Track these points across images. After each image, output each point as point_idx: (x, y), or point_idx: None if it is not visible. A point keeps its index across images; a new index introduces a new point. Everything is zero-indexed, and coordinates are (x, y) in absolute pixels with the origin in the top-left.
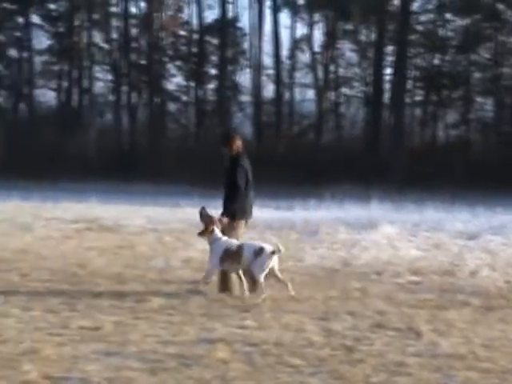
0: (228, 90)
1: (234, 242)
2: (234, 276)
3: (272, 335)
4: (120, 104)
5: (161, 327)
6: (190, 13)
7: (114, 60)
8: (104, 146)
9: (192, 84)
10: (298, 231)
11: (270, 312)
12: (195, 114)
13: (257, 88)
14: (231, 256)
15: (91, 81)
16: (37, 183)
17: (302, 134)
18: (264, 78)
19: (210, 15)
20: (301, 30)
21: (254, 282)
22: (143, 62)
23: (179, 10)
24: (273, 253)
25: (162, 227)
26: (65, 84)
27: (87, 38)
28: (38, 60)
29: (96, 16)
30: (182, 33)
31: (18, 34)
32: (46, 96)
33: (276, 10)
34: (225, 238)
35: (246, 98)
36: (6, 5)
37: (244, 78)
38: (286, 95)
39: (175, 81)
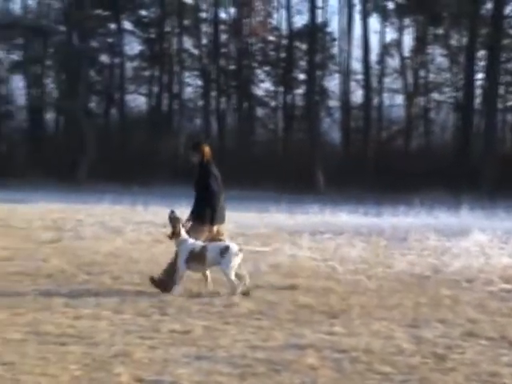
0: (316, 95)
1: (199, 243)
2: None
3: (361, 342)
4: (209, 109)
5: (250, 332)
6: (279, 18)
7: (203, 65)
8: None
9: (280, 89)
10: (386, 237)
11: (359, 319)
12: (283, 119)
13: (345, 93)
14: (196, 257)
15: (181, 86)
16: (127, 187)
17: (390, 139)
18: (353, 83)
19: (299, 20)
20: (390, 34)
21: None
22: (232, 67)
23: (268, 15)
24: (240, 251)
25: (249, 232)
26: (155, 89)
27: (177, 43)
28: (129, 66)
29: (186, 22)
30: (271, 38)
31: (110, 40)
32: (137, 101)
33: (366, 15)
34: (191, 241)
35: (334, 103)
36: (98, 11)
37: (332, 83)
38: (375, 100)
39: (264, 86)
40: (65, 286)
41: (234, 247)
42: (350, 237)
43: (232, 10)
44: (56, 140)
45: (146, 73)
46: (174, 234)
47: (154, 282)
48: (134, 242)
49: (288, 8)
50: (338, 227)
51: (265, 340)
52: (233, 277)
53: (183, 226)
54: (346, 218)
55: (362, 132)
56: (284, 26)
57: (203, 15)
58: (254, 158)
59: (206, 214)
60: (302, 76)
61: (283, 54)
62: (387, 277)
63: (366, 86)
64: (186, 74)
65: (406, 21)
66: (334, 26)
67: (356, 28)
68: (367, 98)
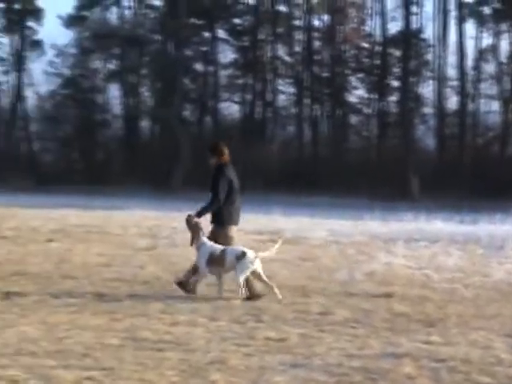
0: (410, 102)
1: (219, 246)
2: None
3: (459, 351)
4: (302, 116)
5: (345, 340)
6: (372, 25)
7: (296, 73)
8: (286, 158)
9: (374, 96)
10: (483, 246)
11: (456, 328)
12: (377, 126)
13: (440, 99)
14: (215, 260)
15: (274, 94)
16: None
17: (486, 145)
18: (447, 90)
19: (394, 27)
20: (486, 40)
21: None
22: (326, 74)
23: (362, 22)
24: (255, 258)
25: (344, 240)
26: (248, 97)
27: (271, 51)
28: (222, 74)
29: (280, 30)
30: (365, 45)
31: (204, 48)
32: (230, 109)
33: (461, 21)
34: (210, 243)
35: (428, 109)
36: (193, 20)
37: (427, 89)
38: (470, 106)
39: (357, 93)
40: (161, 292)
41: (250, 254)
42: (445, 245)
43: (325, 17)
44: (151, 148)
45: (240, 81)
46: (194, 239)
47: (181, 284)
48: None
49: (382, 14)
50: (432, 235)
51: (361, 348)
52: (241, 281)
53: (201, 228)
54: (441, 225)
55: (458, 138)
56: (378, 33)
57: (297, 23)
58: (348, 166)
59: (223, 215)
60: (395, 83)
61: (377, 61)
62: (484, 286)
63: (462, 92)
64: (280, 81)
65: (503, 26)
66: (429, 32)
67: (451, 34)
68: (462, 104)
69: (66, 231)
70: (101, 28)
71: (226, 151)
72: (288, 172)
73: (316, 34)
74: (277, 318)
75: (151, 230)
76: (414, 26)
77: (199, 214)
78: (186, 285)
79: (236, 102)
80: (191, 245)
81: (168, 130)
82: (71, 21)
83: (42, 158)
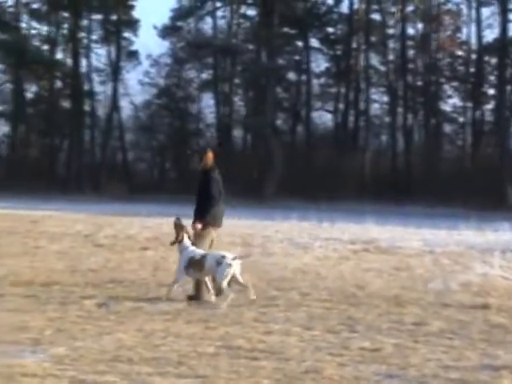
0: (506, 110)
1: (200, 251)
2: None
3: None
4: (395, 125)
5: (441, 351)
6: (468, 32)
7: (390, 82)
8: (379, 167)
9: (469, 105)
10: None
11: None
12: (471, 135)
13: None
14: (195, 264)
15: (367, 102)
16: (314, 203)
17: None
18: None
19: (490, 34)
20: None
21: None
22: (420, 83)
23: (457, 30)
24: (233, 260)
25: (438, 249)
26: (341, 106)
27: (364, 60)
28: (315, 82)
29: (373, 38)
30: (460, 53)
31: (296, 57)
32: (323, 118)
33: None
34: (192, 248)
35: None
36: (286, 29)
37: None
38: None
39: (451, 102)
40: (254, 301)
41: (228, 257)
42: None
43: (420, 25)
44: (243, 157)
45: (333, 89)
46: (177, 240)
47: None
48: (321, 259)
49: (478, 22)
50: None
51: (457, 360)
52: (225, 285)
53: (187, 232)
54: None
55: None
56: (473, 40)
57: (390, 31)
58: (442, 175)
59: (206, 217)
60: (491, 91)
61: (472, 69)
62: None
63: None
64: (373, 90)
65: None
66: None
67: None
68: None
69: (160, 239)
70: (195, 38)
71: (211, 155)
72: (381, 181)
73: (410, 43)
74: (371, 328)
75: (244, 239)
76: (511, 33)
77: (202, 217)
78: (219, 291)
79: (329, 111)
80: (171, 244)
81: (260, 139)
82: (166, 31)
83: (136, 167)
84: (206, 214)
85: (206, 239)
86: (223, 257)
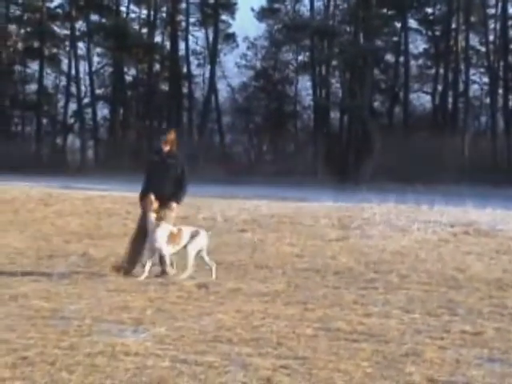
0: None
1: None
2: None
3: None
4: (496, 107)
5: None
6: None
7: (490, 62)
8: (478, 149)
9: None
10: None
11: None
12: None
13: None
14: (173, 238)
15: (467, 84)
16: (411, 186)
17: None
18: None
19: None
20: None
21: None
22: None
23: None
24: (208, 236)
25: None
26: (440, 87)
27: (464, 40)
28: (413, 64)
29: (473, 18)
30: None
31: (394, 38)
32: (421, 99)
33: None
34: (166, 224)
35: None
36: (384, 10)
37: None
38: None
39: None
40: (353, 283)
41: (203, 233)
42: None
43: None
44: (340, 139)
45: (431, 71)
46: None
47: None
48: (420, 241)
49: None
50: None
51: None
52: (191, 259)
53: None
54: None
55: None
56: None
57: (491, 11)
58: None
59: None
60: None
61: None
62: None
63: None
64: (472, 71)
65: None
66: None
67: None
68: None
69: (258, 221)
70: (292, 20)
71: (174, 136)
72: (480, 163)
73: (511, 22)
74: (472, 312)
75: (341, 221)
76: None
77: (179, 200)
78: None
79: (427, 93)
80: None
81: (358, 121)
82: (264, 13)
83: (233, 150)
84: (183, 197)
85: (171, 217)
86: (197, 231)
